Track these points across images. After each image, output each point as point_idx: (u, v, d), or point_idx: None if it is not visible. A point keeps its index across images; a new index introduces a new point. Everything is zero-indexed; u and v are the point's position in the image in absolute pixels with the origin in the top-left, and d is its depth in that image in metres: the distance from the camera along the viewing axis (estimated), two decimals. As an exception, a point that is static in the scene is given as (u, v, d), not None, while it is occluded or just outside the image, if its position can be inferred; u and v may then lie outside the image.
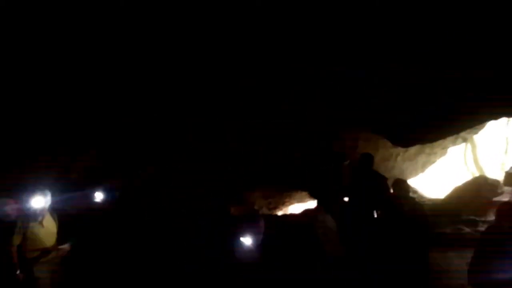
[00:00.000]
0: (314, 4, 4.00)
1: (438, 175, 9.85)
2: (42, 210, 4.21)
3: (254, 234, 4.19)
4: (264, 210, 8.85)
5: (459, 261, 4.24)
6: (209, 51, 4.73)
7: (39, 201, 4.15)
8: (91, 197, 5.33)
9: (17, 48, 4.30)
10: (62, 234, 4.44)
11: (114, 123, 5.95)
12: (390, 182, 4.89)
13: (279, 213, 9.26)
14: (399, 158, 8.21)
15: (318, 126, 6.46)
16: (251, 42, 4.57)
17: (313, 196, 7.85)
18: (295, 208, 9.53)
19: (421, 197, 8.48)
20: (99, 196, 5.31)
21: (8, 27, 4.02)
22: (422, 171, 9.07)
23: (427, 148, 8.27)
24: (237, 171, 7.10)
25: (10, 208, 4.14)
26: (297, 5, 3.99)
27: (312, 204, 9.11)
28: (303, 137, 6.70)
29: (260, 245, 4.25)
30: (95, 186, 5.38)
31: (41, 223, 4.19)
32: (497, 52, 4.37)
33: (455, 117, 5.91)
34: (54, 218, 4.39)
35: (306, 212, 7.98)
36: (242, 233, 4.19)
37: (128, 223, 5.44)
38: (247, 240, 4.18)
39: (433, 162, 9.01)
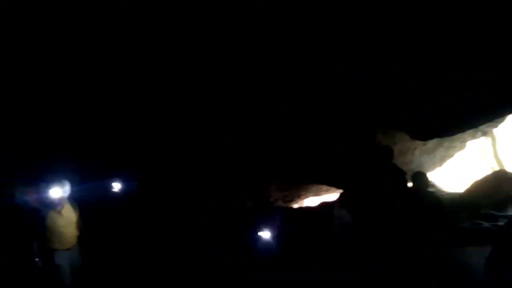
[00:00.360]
0: (314, 4, 4.00)
1: (457, 169, 9.72)
2: (61, 199, 4.26)
3: (271, 227, 4.22)
4: (280, 203, 8.81)
5: (478, 256, 4.21)
6: (209, 51, 4.73)
7: (58, 191, 4.21)
8: (109, 187, 5.34)
9: (24, 49, 4.32)
10: (83, 224, 4.53)
11: (114, 123, 5.96)
12: (407, 176, 4.82)
13: (295, 206, 9.25)
14: (417, 152, 8.11)
15: (318, 126, 6.46)
16: (251, 42, 4.57)
17: (338, 187, 7.71)
18: (311, 201, 9.51)
19: (440, 191, 8.36)
20: (116, 186, 5.30)
21: (8, 27, 4.02)
22: (441, 165, 8.95)
23: (446, 141, 8.16)
24: (237, 171, 7.10)
25: (30, 197, 4.21)
26: (297, 5, 3.99)
27: (328, 197, 9.08)
28: (303, 137, 6.70)
29: (277, 237, 4.27)
30: (113, 176, 5.38)
31: (59, 212, 4.25)
32: (497, 52, 4.38)
33: (474, 112, 5.86)
34: (74, 208, 4.46)
35: (323, 205, 7.94)
36: (259, 228, 4.23)
37: (139, 218, 5.46)
38: (265, 234, 4.21)
39: (452, 156, 8.89)
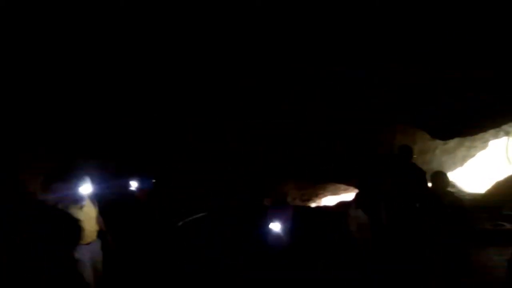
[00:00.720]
0: (314, 4, 4.00)
1: (478, 169, 9.62)
2: (84, 196, 4.38)
3: (282, 219, 4.18)
4: (298, 202, 8.74)
5: (499, 257, 4.16)
6: (209, 51, 4.73)
7: (86, 187, 4.35)
8: (127, 185, 5.38)
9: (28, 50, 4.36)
10: (102, 219, 4.65)
11: (114, 123, 5.96)
12: (427, 176, 4.77)
13: (313, 205, 9.20)
14: (437, 151, 8.01)
15: (318, 126, 6.46)
16: (251, 42, 4.57)
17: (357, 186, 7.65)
18: (329, 200, 9.45)
19: (460, 191, 8.18)
20: (134, 185, 5.34)
21: (8, 27, 4.03)
22: (462, 164, 8.80)
23: (467, 141, 8.04)
24: (237, 171, 7.10)
25: (61, 193, 4.30)
26: (297, 5, 3.99)
27: (346, 197, 9.01)
28: (303, 137, 6.70)
29: (289, 231, 4.23)
30: (130, 175, 5.42)
31: (81, 207, 4.33)
32: (497, 52, 4.38)
33: (497, 110, 5.82)
34: (94, 204, 4.59)
35: (340, 204, 7.89)
36: (271, 219, 4.18)
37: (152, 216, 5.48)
38: (275, 226, 4.16)
39: (473, 155, 8.73)
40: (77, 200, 4.32)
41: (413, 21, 4.09)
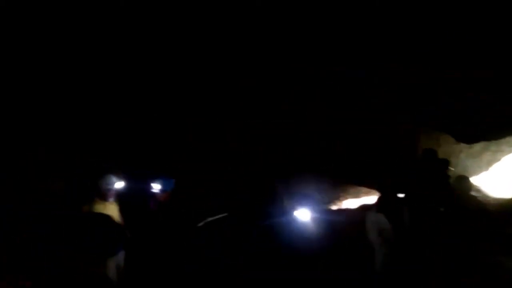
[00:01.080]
0: (314, 4, 4.00)
1: (504, 173, 9.60)
2: (115, 192, 4.48)
3: (309, 205, 4.07)
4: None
5: None
6: (209, 51, 4.73)
7: (120, 183, 4.46)
8: (148, 186, 5.39)
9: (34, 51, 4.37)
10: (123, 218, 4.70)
11: (114, 123, 5.96)
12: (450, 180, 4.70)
13: (333, 207, 9.16)
14: (462, 155, 7.97)
15: (318, 126, 6.46)
16: (251, 42, 4.57)
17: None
18: (350, 203, 9.39)
19: (486, 196, 8.02)
20: (156, 187, 5.34)
21: (8, 27, 4.03)
22: (487, 169, 8.70)
23: (493, 145, 7.99)
24: (237, 171, 7.11)
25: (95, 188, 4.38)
26: (297, 5, 3.99)
27: (368, 200, 8.95)
28: (303, 137, 6.70)
29: (319, 222, 4.13)
30: (152, 176, 5.42)
31: (105, 204, 4.39)
32: (497, 52, 4.38)
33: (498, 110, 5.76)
34: (116, 203, 4.64)
35: (362, 207, 7.83)
36: (296, 206, 4.06)
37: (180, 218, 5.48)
38: (303, 214, 4.03)
39: (499, 160, 8.63)
40: (107, 196, 4.38)
41: (413, 21, 4.09)
